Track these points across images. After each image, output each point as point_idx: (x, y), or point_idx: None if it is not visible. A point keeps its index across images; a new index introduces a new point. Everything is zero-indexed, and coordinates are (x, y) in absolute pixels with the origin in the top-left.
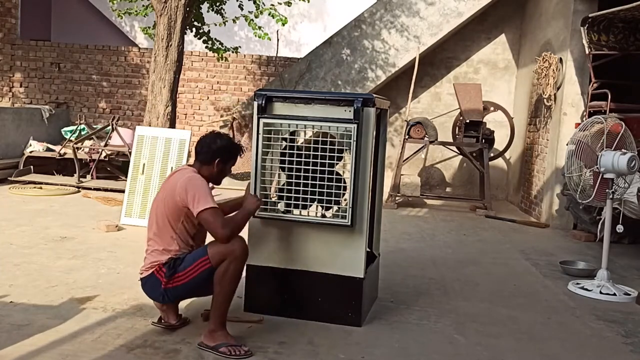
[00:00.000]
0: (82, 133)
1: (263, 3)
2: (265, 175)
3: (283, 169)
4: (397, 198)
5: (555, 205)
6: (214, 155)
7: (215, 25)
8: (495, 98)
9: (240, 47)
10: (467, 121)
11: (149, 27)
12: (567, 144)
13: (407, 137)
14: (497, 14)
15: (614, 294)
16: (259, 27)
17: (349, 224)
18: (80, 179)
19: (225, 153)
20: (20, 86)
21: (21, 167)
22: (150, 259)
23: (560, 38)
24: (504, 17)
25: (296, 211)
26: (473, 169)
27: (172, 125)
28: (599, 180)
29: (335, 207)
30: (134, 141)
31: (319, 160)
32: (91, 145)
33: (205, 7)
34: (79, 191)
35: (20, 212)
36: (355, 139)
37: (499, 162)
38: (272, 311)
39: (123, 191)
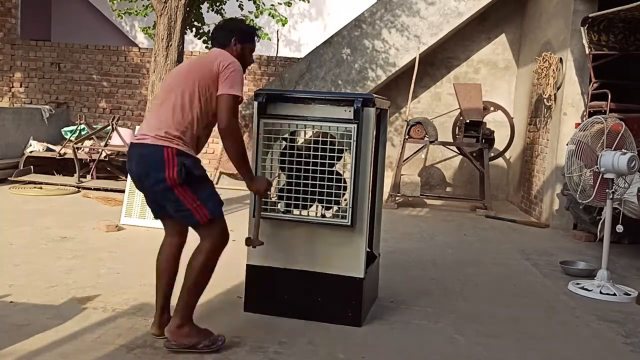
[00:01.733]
0: (82, 133)
1: (263, 3)
2: (265, 175)
3: (283, 169)
4: (397, 198)
5: (556, 205)
6: (230, 34)
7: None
8: (496, 98)
9: None
10: (467, 121)
11: (149, 27)
12: (567, 144)
13: (407, 137)
14: (497, 14)
15: (614, 294)
16: (259, 27)
17: (349, 224)
18: (80, 179)
19: (241, 32)
20: (20, 86)
21: (21, 167)
22: (161, 130)
23: (560, 38)
24: (504, 17)
25: (296, 211)
26: (473, 169)
27: None
28: (599, 180)
29: (335, 207)
30: None
31: (319, 160)
32: (91, 145)
33: (205, 7)
34: (79, 191)
35: (20, 212)
36: (355, 139)
37: (499, 162)
38: (272, 311)
39: (123, 191)
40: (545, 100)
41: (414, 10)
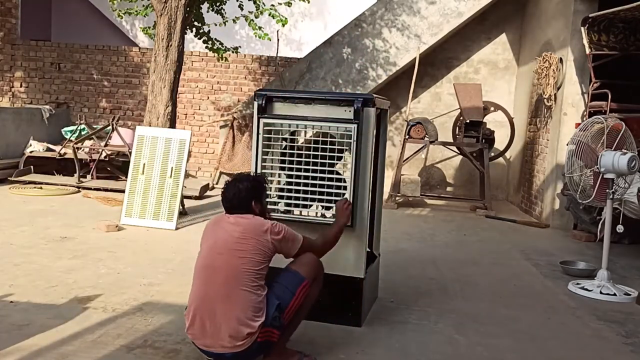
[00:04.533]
0: (82, 133)
1: (263, 3)
2: (265, 175)
3: (283, 168)
4: (397, 198)
5: (556, 205)
6: (248, 200)
7: (216, 25)
8: (496, 98)
9: (240, 47)
10: (468, 121)
11: (149, 27)
12: (567, 144)
13: (407, 137)
14: (498, 14)
15: (614, 294)
16: (259, 27)
17: (349, 224)
18: (81, 179)
19: (255, 191)
20: (21, 86)
21: (21, 167)
22: (249, 329)
23: (560, 38)
24: (504, 17)
25: (296, 211)
26: (473, 169)
27: (172, 125)
28: (599, 181)
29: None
30: (134, 141)
31: (319, 160)
32: (91, 145)
33: (205, 7)
34: (79, 191)
35: (20, 212)
36: (355, 139)
37: (499, 162)
38: None
39: (123, 191)
40: (545, 100)
41: (415, 10)
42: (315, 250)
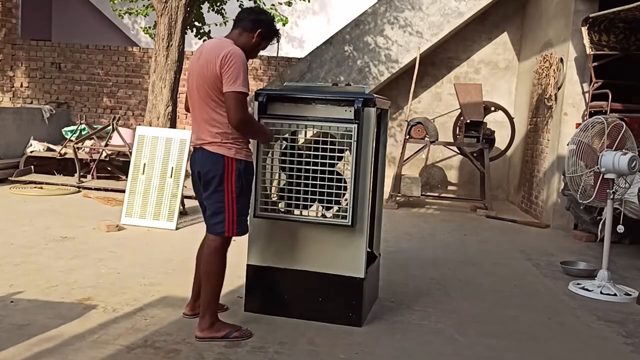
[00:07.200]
0: (83, 133)
1: (264, 3)
2: (265, 175)
3: (283, 168)
4: (397, 198)
5: (556, 205)
6: (258, 25)
7: (216, 25)
8: (496, 98)
9: None
10: (468, 121)
11: (150, 27)
12: (567, 144)
13: (407, 137)
14: (498, 14)
15: (615, 295)
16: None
17: (350, 224)
18: (81, 179)
19: (268, 28)
20: (21, 86)
21: (22, 167)
22: (219, 137)
23: (561, 38)
24: (505, 17)
25: (297, 211)
26: (474, 169)
27: (173, 125)
28: (599, 181)
29: (336, 207)
30: (135, 141)
31: (319, 160)
32: (92, 145)
33: (205, 7)
34: (79, 191)
35: (20, 212)
36: (355, 139)
37: (500, 162)
38: (272, 311)
39: (123, 191)
40: (545, 100)
41: (416, 7)
42: (238, 111)
